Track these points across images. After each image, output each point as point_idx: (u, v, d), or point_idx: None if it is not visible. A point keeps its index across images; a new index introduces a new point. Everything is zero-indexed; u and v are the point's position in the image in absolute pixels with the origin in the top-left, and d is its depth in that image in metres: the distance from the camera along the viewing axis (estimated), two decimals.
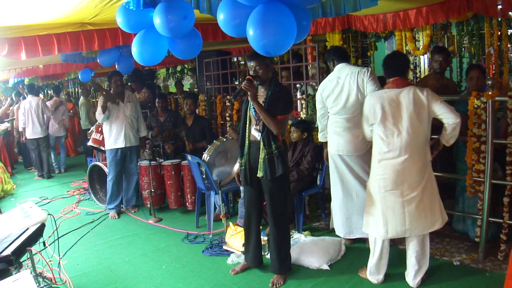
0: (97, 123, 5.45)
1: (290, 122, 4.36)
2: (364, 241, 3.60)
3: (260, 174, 3.02)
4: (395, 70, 2.87)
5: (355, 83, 3.37)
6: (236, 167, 3.34)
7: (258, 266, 3.34)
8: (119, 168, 5.05)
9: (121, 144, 4.97)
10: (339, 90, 3.46)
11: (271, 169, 2.97)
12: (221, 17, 2.77)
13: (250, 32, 2.56)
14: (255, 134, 3.06)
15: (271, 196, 3.07)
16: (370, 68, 3.47)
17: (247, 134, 3.11)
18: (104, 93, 4.96)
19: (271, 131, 2.96)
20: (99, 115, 4.93)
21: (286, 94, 3.06)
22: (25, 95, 8.48)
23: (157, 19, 3.02)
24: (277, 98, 2.98)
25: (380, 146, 2.85)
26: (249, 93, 2.94)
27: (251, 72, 3.00)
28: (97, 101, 5.17)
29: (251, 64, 2.99)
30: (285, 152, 3.06)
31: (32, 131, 7.51)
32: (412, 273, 2.90)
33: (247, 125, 3.11)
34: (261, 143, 2.99)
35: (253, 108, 3.02)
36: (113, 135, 4.97)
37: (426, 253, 2.90)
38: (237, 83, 6.85)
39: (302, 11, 2.80)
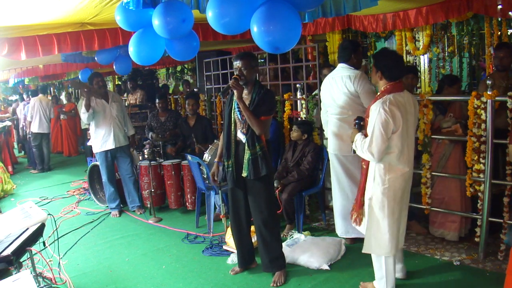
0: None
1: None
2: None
3: (244, 174, 3.06)
4: (399, 72, 2.60)
5: (345, 87, 3.36)
6: (213, 167, 3.34)
7: (249, 266, 3.35)
8: (111, 168, 5.05)
9: (110, 145, 4.93)
10: (332, 91, 3.47)
11: (255, 169, 3.01)
12: (210, 14, 2.65)
13: (255, 29, 2.54)
14: (241, 136, 3.09)
15: (256, 195, 3.09)
16: (360, 75, 3.33)
17: (232, 136, 3.13)
18: (85, 90, 4.85)
19: (254, 133, 3.00)
20: (83, 114, 4.85)
21: (270, 96, 3.11)
22: (25, 95, 8.70)
23: (156, 21, 3.01)
24: (262, 100, 3.02)
25: (393, 157, 2.58)
26: (235, 91, 2.98)
27: (236, 72, 3.04)
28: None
29: (237, 64, 3.03)
30: (269, 153, 3.08)
31: (39, 126, 8.22)
32: (401, 270, 2.98)
33: (232, 128, 3.13)
34: (246, 144, 3.03)
35: (238, 110, 3.05)
36: (101, 137, 4.93)
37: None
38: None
39: None
